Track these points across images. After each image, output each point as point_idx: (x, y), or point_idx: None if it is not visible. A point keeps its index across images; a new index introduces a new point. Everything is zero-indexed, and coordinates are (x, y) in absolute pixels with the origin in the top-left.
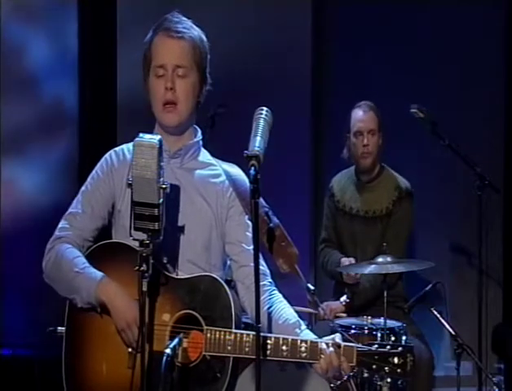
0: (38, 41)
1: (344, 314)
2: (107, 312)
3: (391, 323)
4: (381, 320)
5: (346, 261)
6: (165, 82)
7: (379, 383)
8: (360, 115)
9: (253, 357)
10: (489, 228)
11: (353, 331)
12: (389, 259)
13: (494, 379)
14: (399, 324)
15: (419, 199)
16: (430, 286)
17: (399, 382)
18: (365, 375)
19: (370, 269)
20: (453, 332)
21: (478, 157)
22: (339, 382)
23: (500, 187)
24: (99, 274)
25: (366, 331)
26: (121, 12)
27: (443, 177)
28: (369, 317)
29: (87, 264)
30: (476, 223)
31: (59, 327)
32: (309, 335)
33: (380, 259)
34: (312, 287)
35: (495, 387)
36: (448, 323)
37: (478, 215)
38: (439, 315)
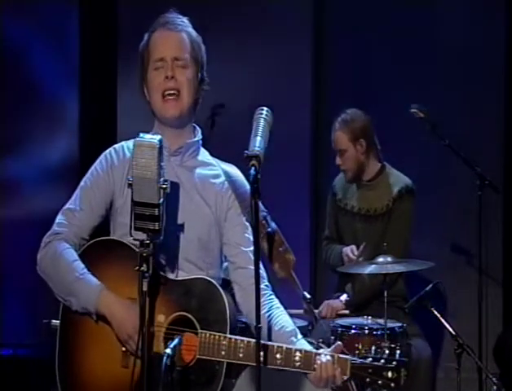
0: (39, 41)
1: (346, 311)
2: (103, 319)
3: (392, 323)
4: (382, 320)
5: (347, 249)
6: (164, 72)
7: None
8: (332, 133)
9: (247, 363)
10: (489, 228)
11: (353, 331)
12: (389, 259)
13: (494, 379)
14: (399, 324)
15: (419, 199)
16: (430, 286)
17: None
18: (361, 383)
19: (370, 269)
20: (453, 332)
21: (478, 157)
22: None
23: (500, 187)
24: (98, 283)
25: (366, 331)
26: (122, 13)
27: (443, 177)
28: (370, 317)
29: (86, 269)
30: (476, 223)
31: (54, 320)
32: (304, 345)
33: (380, 259)
34: (309, 296)
35: (495, 387)
36: (448, 323)
37: (478, 215)
38: (439, 315)
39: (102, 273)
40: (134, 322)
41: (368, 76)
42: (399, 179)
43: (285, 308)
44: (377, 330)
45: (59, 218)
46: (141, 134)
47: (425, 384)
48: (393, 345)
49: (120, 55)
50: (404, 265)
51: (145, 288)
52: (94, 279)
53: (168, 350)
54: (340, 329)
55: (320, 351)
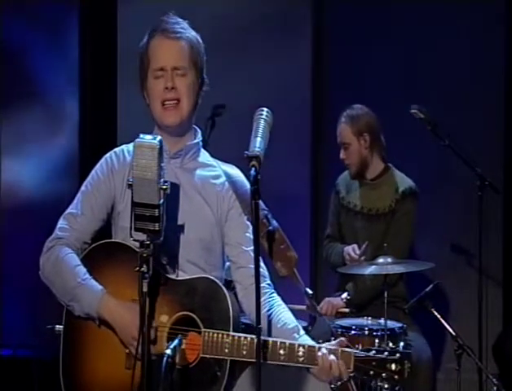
0: (39, 41)
1: (347, 310)
2: (106, 324)
3: (392, 324)
4: (382, 321)
5: (349, 248)
6: (164, 82)
7: (379, 383)
8: (338, 127)
9: (251, 360)
10: (489, 228)
11: (353, 332)
12: (389, 260)
13: (494, 379)
14: (399, 325)
15: (419, 200)
16: (430, 286)
17: (397, 388)
18: (365, 376)
19: (370, 269)
20: (454, 333)
21: (478, 157)
22: (339, 382)
23: (500, 188)
24: (100, 289)
25: (366, 332)
26: (122, 14)
27: (443, 177)
28: (369, 317)
29: (88, 274)
30: (476, 223)
31: (58, 325)
32: (307, 340)
33: (380, 260)
34: (311, 292)
35: (495, 388)
36: (449, 324)
37: (478, 215)
38: (439, 316)
39: (104, 276)
40: (137, 324)
41: (368, 76)
42: (403, 181)
43: (286, 304)
44: (377, 331)
45: (61, 223)
46: (141, 135)
47: (426, 384)
48: (393, 346)
49: (120, 55)
50: (404, 266)
51: (145, 289)
52: (96, 284)
53: (168, 351)
54: (340, 330)
55: (324, 345)
